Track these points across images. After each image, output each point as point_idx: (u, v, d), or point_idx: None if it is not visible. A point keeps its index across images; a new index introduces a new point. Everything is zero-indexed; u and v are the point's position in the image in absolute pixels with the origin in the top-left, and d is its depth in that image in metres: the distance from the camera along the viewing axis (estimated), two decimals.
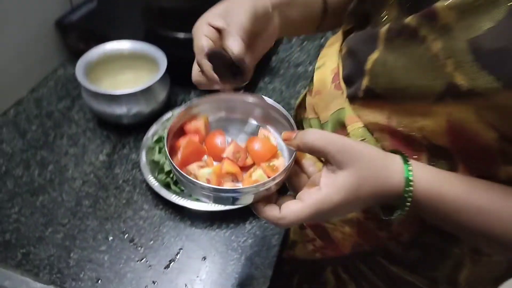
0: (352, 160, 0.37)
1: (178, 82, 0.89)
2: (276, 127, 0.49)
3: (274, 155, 0.46)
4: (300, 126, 0.66)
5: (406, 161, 0.39)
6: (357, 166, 0.37)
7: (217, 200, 0.42)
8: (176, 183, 0.69)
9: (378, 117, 0.45)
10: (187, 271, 0.62)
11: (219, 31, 0.45)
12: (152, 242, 0.65)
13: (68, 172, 0.74)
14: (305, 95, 0.68)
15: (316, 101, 0.56)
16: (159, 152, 0.72)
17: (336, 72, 0.53)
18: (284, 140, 0.41)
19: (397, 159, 0.39)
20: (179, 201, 0.65)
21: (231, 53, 0.42)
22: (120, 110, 0.76)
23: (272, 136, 0.49)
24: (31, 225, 0.66)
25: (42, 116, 0.85)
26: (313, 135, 0.38)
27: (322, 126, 0.54)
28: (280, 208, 0.38)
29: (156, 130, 0.77)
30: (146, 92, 0.77)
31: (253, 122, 0.50)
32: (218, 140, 0.47)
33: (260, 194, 0.40)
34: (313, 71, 0.59)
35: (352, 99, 0.49)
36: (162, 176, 0.69)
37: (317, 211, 0.37)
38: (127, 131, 0.81)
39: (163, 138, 0.73)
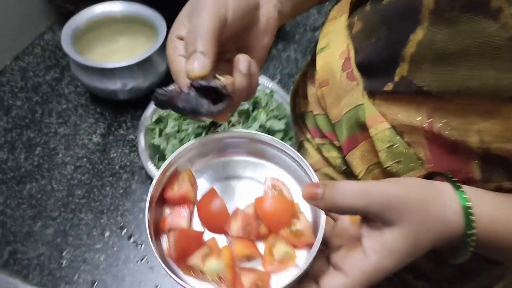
0: (402, 215, 0.29)
1: None
2: (289, 170, 0.39)
3: (294, 214, 0.36)
4: (300, 120, 0.56)
5: (457, 187, 0.31)
6: (410, 221, 0.29)
7: None
8: None
9: (413, 116, 0.35)
10: None
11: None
12: None
13: (58, 156, 0.66)
14: (301, 78, 0.57)
15: (323, 93, 0.45)
16: (160, 134, 0.64)
17: (347, 57, 0.42)
18: (307, 199, 0.31)
19: (445, 188, 0.31)
20: None
21: (190, 75, 0.31)
22: (114, 85, 0.66)
23: (284, 186, 0.38)
24: (18, 218, 0.59)
25: (28, 89, 0.75)
26: (349, 196, 0.30)
27: (333, 126, 0.44)
28: (319, 286, 0.30)
29: (155, 107, 0.68)
30: (143, 64, 0.67)
31: (253, 164, 0.40)
32: (216, 207, 0.37)
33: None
34: None
35: (374, 92, 0.39)
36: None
37: (367, 282, 0.29)
38: (123, 107, 0.72)
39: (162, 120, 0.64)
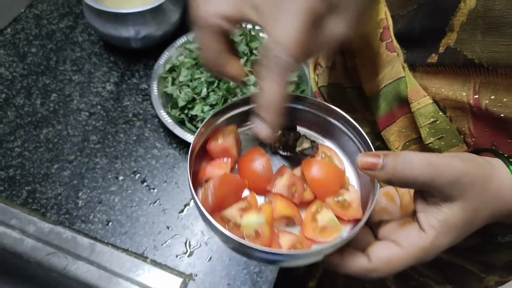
0: (465, 191, 0.28)
1: None
2: (337, 139, 0.37)
3: (343, 184, 0.34)
4: (326, 93, 0.53)
5: (510, 162, 0.30)
6: (471, 197, 0.28)
7: (272, 262, 0.33)
8: (191, 120, 0.61)
9: (458, 91, 0.33)
10: None
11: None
12: (165, 184, 0.59)
13: (73, 103, 0.67)
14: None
15: (357, 64, 0.42)
16: (173, 83, 0.64)
17: (386, 26, 0.39)
18: (364, 169, 0.29)
19: (497, 163, 0.30)
20: None
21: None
22: (127, 32, 0.66)
23: (335, 155, 0.36)
24: (36, 160, 0.61)
25: (43, 37, 0.75)
26: (416, 168, 0.27)
27: (369, 100, 0.41)
28: (368, 255, 0.29)
29: (169, 57, 0.67)
30: (156, 12, 0.66)
31: (304, 134, 0.37)
32: (259, 165, 0.34)
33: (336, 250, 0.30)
34: None
35: (415, 65, 0.36)
36: (175, 112, 0.61)
37: (421, 259, 0.29)
38: (137, 56, 0.72)
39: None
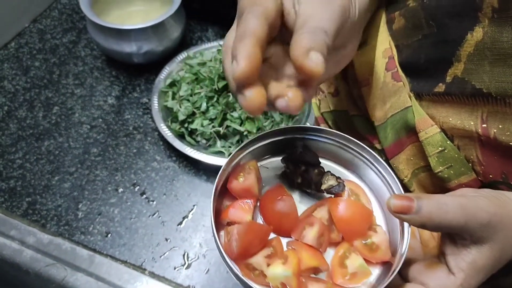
0: (495, 233, 0.28)
1: (195, 16, 0.79)
2: (360, 172, 0.36)
3: (371, 225, 0.33)
4: (330, 120, 0.51)
5: None
6: (499, 239, 0.28)
7: None
8: (191, 133, 0.63)
9: (466, 120, 0.33)
10: (201, 229, 0.57)
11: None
12: (165, 196, 0.60)
13: (75, 116, 0.68)
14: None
15: (363, 93, 0.42)
16: (173, 97, 0.65)
17: (390, 55, 0.39)
18: (397, 212, 0.28)
19: None
20: (194, 154, 0.59)
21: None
22: (129, 47, 0.68)
23: (363, 192, 0.35)
24: (37, 172, 0.62)
25: (46, 51, 0.77)
26: (450, 212, 0.27)
27: (377, 129, 0.41)
28: None
29: (169, 72, 0.69)
30: (158, 28, 0.68)
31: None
32: (283, 207, 0.33)
33: None
34: None
35: (422, 94, 0.36)
36: (175, 125, 0.63)
37: None
38: (138, 71, 0.74)
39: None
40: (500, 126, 0.32)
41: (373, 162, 0.35)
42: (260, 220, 0.35)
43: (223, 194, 0.36)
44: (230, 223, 0.33)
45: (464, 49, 0.32)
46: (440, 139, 0.35)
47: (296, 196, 0.37)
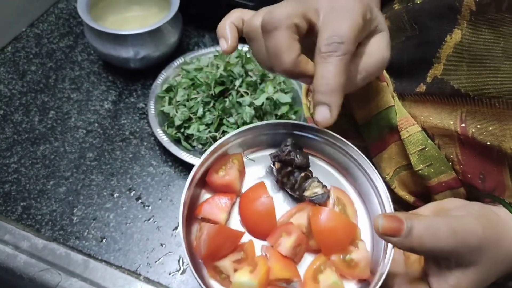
0: (482, 256, 0.28)
1: (192, 22, 0.79)
2: (351, 176, 0.35)
3: (353, 240, 0.31)
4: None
5: (511, 207, 0.31)
6: (485, 261, 0.28)
7: None
8: (187, 139, 0.63)
9: (446, 119, 0.34)
10: None
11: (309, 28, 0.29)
12: (160, 201, 0.60)
13: (71, 120, 0.68)
14: None
15: (349, 94, 0.44)
16: (169, 102, 0.65)
17: None
18: (385, 234, 0.27)
19: (503, 213, 0.31)
20: (190, 159, 0.59)
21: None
22: (126, 52, 0.68)
23: (350, 202, 0.34)
24: (32, 176, 0.62)
25: (43, 55, 0.77)
26: (442, 238, 0.26)
27: (360, 127, 0.42)
28: None
29: (166, 77, 0.69)
30: (155, 34, 0.68)
31: (316, 176, 0.35)
32: (262, 207, 0.32)
33: None
34: None
35: (404, 94, 0.37)
36: (172, 130, 0.63)
37: None
38: (135, 76, 0.74)
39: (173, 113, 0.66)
40: (478, 126, 0.32)
41: (363, 166, 0.34)
42: (237, 217, 0.34)
43: (203, 185, 0.34)
44: (204, 219, 0.32)
45: (443, 50, 0.33)
46: (421, 137, 0.36)
47: (279, 195, 0.36)
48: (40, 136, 0.66)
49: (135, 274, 0.54)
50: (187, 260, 0.29)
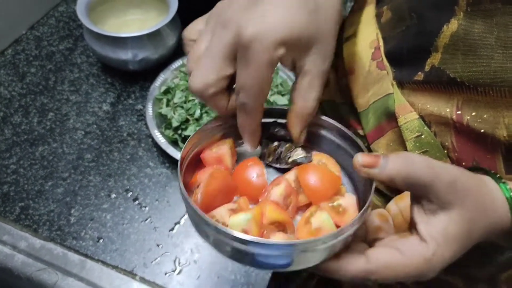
0: (462, 198, 0.28)
1: None
2: (334, 154, 0.37)
3: (338, 190, 0.33)
4: (318, 109, 0.56)
5: (499, 179, 0.31)
6: (467, 206, 0.28)
7: (260, 263, 0.28)
8: (184, 140, 0.63)
9: (442, 107, 0.35)
10: (193, 235, 0.58)
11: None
12: (157, 202, 0.61)
13: (69, 122, 0.69)
14: None
15: (348, 82, 0.44)
16: (167, 104, 0.66)
17: (377, 46, 0.42)
18: (364, 166, 0.29)
19: (488, 180, 0.31)
20: None
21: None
22: (125, 55, 0.69)
23: (332, 162, 0.36)
24: (30, 177, 0.62)
25: (42, 58, 0.78)
26: (419, 168, 0.27)
27: (359, 115, 0.43)
28: (367, 257, 0.29)
29: (164, 79, 0.70)
30: (154, 36, 0.69)
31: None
32: (253, 173, 0.33)
33: (335, 250, 0.29)
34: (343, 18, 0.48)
35: (403, 82, 0.38)
36: (169, 132, 0.63)
37: (423, 271, 0.28)
38: (133, 78, 0.74)
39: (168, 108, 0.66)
40: (473, 113, 0.33)
41: (344, 140, 0.36)
42: None
43: (196, 166, 0.36)
44: (199, 186, 0.33)
45: (440, 40, 0.34)
46: (417, 124, 0.37)
47: (269, 174, 0.37)
48: (39, 137, 0.67)
49: (131, 274, 0.54)
50: (183, 193, 0.30)
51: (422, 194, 0.29)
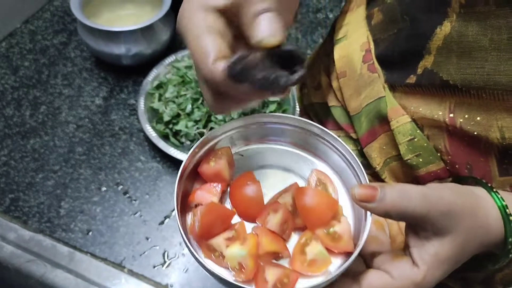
0: (457, 223, 0.29)
1: None
2: (330, 161, 0.36)
3: (335, 215, 0.33)
4: (311, 112, 0.53)
5: (490, 189, 0.31)
6: (461, 230, 0.29)
7: None
8: (175, 135, 0.63)
9: (435, 110, 0.35)
10: None
11: (223, 13, 0.29)
12: (147, 196, 0.61)
13: (62, 115, 0.69)
14: (309, 68, 0.54)
15: (340, 85, 0.44)
16: (159, 99, 0.66)
17: (367, 49, 0.41)
18: (361, 201, 0.28)
19: (481, 192, 0.31)
20: (178, 155, 0.60)
21: (269, 44, 0.26)
22: (118, 49, 0.69)
23: (330, 182, 0.35)
24: (21, 169, 0.62)
25: (36, 51, 0.78)
26: (413, 200, 0.27)
27: (351, 118, 0.43)
28: (359, 283, 0.29)
29: (157, 74, 0.70)
30: (147, 31, 0.69)
31: (296, 155, 0.37)
32: (251, 191, 0.34)
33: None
34: (334, 19, 0.48)
35: (395, 85, 0.38)
36: (160, 126, 0.64)
37: None
38: (126, 73, 0.75)
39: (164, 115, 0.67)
40: (466, 116, 0.33)
41: (342, 151, 0.35)
42: (228, 205, 0.36)
43: (194, 178, 0.36)
44: (197, 206, 0.34)
45: (433, 42, 0.34)
46: (410, 128, 0.37)
47: (263, 177, 0.37)
48: (31, 130, 0.67)
49: (120, 266, 0.54)
50: (185, 242, 0.31)
51: (417, 223, 0.29)
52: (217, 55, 0.27)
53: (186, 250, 0.56)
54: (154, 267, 0.54)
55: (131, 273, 0.54)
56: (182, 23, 0.30)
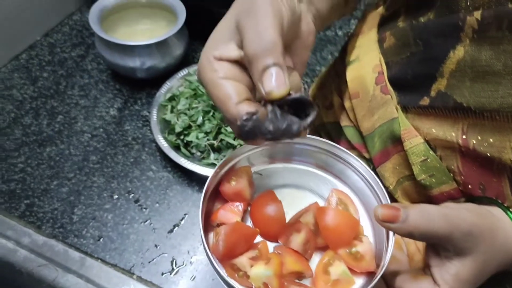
0: (477, 244, 0.29)
1: (198, 36, 0.83)
2: (350, 182, 0.37)
3: (357, 234, 0.33)
4: (322, 131, 0.54)
5: (506, 208, 0.32)
6: (481, 251, 0.29)
7: None
8: (186, 145, 0.65)
9: (448, 132, 0.35)
10: (191, 237, 0.59)
11: (237, 62, 0.30)
12: (157, 204, 0.62)
13: (77, 125, 0.71)
14: (319, 88, 0.55)
15: (353, 105, 0.45)
16: (171, 111, 0.68)
17: (380, 71, 0.42)
18: (384, 221, 0.29)
19: (498, 212, 0.32)
20: (188, 165, 0.62)
21: (277, 96, 0.27)
22: (133, 62, 0.72)
23: (351, 202, 0.36)
24: (37, 176, 0.64)
25: (55, 63, 0.81)
26: (435, 221, 0.28)
27: (364, 138, 0.44)
28: None
29: (170, 87, 0.72)
30: (162, 45, 0.72)
31: (318, 177, 0.37)
32: (273, 211, 0.34)
33: None
34: (343, 36, 0.50)
35: (408, 107, 0.39)
36: (172, 137, 0.65)
37: None
38: (140, 86, 0.77)
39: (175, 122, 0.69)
40: (479, 138, 0.33)
41: (361, 172, 0.36)
42: (250, 224, 0.36)
43: (215, 197, 0.36)
44: (219, 225, 0.34)
45: (446, 66, 0.35)
46: (423, 149, 0.37)
47: (281, 196, 0.37)
48: (48, 138, 0.69)
49: (129, 273, 0.55)
50: (211, 261, 0.31)
51: (439, 244, 0.30)
52: (238, 98, 0.29)
53: (194, 259, 0.57)
54: (162, 274, 0.56)
55: (140, 279, 0.55)
56: (201, 75, 0.31)
